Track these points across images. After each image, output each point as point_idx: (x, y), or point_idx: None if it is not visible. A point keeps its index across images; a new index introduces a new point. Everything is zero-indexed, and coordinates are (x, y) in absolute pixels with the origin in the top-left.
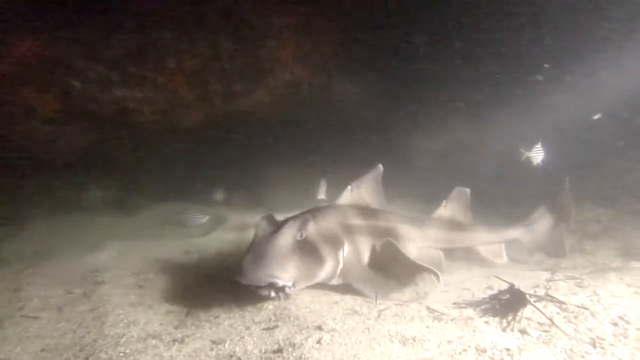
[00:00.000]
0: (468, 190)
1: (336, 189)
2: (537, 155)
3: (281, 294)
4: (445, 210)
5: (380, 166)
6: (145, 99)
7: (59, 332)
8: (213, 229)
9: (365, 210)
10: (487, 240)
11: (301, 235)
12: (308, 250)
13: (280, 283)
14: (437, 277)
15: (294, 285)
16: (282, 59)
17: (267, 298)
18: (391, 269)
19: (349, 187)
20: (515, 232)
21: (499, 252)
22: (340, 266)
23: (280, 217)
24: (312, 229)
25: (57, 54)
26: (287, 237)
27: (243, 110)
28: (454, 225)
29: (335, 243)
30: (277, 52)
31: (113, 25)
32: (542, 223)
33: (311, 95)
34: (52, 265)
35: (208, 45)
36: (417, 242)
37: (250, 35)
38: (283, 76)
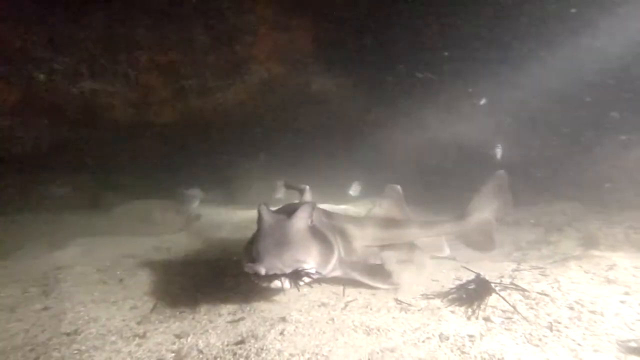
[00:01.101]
0: (399, 187)
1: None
2: (499, 151)
3: (301, 282)
4: (380, 209)
5: (307, 186)
6: (116, 93)
7: (9, 333)
8: (186, 226)
9: (322, 210)
10: (421, 235)
11: (311, 222)
12: (319, 237)
13: (308, 268)
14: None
15: (317, 272)
16: (259, 55)
17: (280, 290)
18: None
19: (307, 187)
20: (447, 227)
21: (440, 245)
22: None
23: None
24: (314, 217)
25: (19, 43)
26: (302, 223)
27: (218, 107)
28: (389, 223)
29: (331, 233)
30: (253, 48)
31: (84, 16)
32: (473, 217)
33: (287, 92)
34: (11, 264)
35: (183, 39)
36: (359, 241)
37: (226, 30)
38: (259, 73)
